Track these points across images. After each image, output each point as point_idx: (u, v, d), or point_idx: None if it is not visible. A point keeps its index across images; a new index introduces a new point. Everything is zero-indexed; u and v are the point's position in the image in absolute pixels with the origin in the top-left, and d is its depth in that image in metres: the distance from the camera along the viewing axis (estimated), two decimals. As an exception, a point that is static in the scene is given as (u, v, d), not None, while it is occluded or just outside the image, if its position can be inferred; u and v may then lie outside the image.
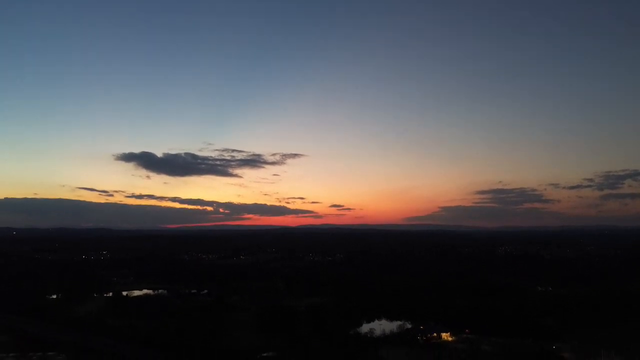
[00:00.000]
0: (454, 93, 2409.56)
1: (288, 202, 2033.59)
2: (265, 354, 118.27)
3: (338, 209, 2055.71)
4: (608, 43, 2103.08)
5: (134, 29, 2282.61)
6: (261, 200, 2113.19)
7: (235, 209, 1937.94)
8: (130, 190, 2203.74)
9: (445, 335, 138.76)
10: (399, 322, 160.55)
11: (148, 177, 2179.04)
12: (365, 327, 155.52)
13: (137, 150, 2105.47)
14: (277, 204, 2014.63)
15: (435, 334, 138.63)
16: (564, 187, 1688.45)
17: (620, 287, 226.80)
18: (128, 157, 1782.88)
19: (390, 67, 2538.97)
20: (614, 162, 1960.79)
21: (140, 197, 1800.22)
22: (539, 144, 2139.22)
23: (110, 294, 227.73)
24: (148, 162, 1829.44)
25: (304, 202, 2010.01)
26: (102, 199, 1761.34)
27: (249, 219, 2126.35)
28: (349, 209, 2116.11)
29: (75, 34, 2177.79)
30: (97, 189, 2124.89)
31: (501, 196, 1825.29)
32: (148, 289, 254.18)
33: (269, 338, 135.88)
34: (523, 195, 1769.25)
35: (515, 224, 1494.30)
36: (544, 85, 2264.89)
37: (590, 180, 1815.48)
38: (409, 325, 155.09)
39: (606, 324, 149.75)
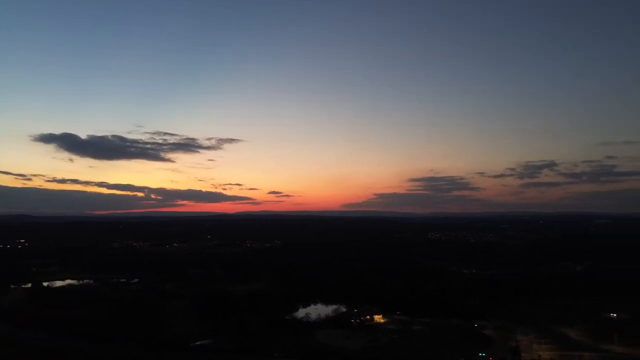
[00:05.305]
0: (389, 85, 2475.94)
1: (225, 189, 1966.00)
2: (199, 342, 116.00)
3: (276, 196, 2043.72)
4: (535, 42, 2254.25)
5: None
6: (196, 187, 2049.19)
7: (169, 195, 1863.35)
8: (52, 174, 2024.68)
9: (378, 317, 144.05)
10: (334, 306, 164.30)
11: (71, 160, 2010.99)
12: (301, 312, 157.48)
13: (57, 131, 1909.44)
14: (213, 190, 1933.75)
15: (368, 317, 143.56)
16: (489, 176, 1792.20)
17: (537, 270, 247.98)
18: (47, 139, 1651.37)
19: (328, 54, 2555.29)
20: (533, 153, 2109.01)
21: (62, 181, 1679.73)
22: (467, 135, 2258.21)
23: (29, 284, 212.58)
24: (70, 144, 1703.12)
25: (242, 189, 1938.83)
26: (19, 183, 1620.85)
27: (183, 205, 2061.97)
28: (287, 195, 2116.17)
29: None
30: (13, 172, 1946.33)
31: (433, 184, 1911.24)
32: (72, 279, 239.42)
33: (206, 324, 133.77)
34: (453, 183, 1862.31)
35: (445, 210, 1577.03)
36: (473, 81, 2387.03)
37: (513, 169, 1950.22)
38: (343, 309, 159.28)
39: (525, 303, 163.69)
